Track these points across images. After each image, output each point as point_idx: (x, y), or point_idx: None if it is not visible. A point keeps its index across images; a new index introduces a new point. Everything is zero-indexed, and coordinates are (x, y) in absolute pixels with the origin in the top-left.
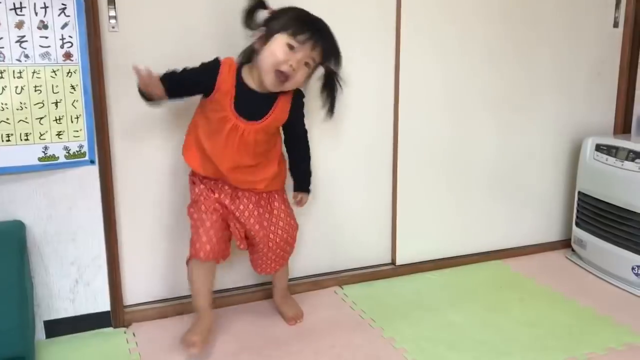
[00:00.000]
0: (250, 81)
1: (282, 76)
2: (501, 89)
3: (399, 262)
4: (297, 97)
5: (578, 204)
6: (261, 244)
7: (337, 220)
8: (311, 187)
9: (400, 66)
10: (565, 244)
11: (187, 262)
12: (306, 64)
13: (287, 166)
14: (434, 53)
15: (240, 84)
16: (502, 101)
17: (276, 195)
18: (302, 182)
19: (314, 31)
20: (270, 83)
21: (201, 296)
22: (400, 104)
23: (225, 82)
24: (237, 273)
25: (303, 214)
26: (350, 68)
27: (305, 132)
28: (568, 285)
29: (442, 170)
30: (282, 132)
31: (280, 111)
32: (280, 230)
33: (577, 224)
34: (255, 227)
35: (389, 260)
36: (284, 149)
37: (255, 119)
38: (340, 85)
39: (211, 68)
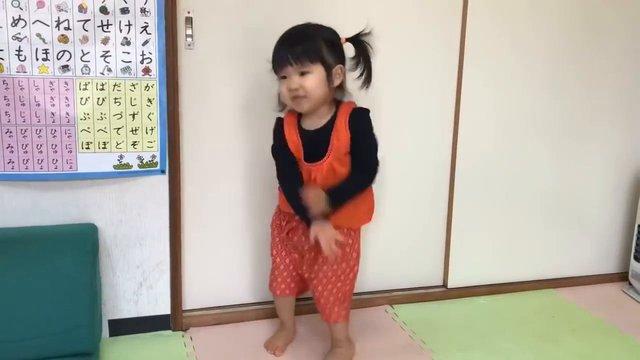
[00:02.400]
0: (307, 122)
1: (297, 99)
2: (563, 117)
3: (450, 285)
4: (354, 116)
5: (638, 237)
6: (306, 274)
7: (391, 239)
8: (330, 208)
9: (462, 90)
10: (621, 277)
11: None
12: (302, 73)
13: (369, 208)
14: (496, 79)
15: (302, 130)
16: (563, 130)
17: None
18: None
19: (285, 58)
20: (297, 109)
21: (283, 313)
22: (460, 128)
23: (290, 134)
24: None
25: None
26: (412, 91)
27: (367, 148)
28: (624, 320)
29: (499, 196)
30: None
31: (338, 140)
32: (322, 280)
33: (635, 258)
34: (309, 270)
35: (440, 283)
36: None
37: (321, 158)
38: (370, 48)
39: (278, 129)
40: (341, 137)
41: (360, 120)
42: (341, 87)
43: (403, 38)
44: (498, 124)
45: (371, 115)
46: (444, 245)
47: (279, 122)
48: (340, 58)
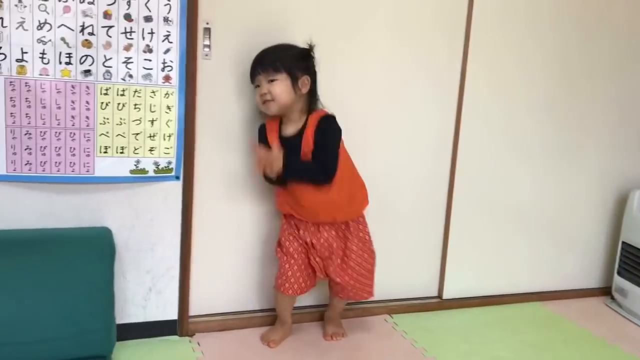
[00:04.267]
0: (284, 129)
1: (266, 103)
2: (555, 138)
3: (445, 296)
4: (321, 121)
5: (622, 254)
6: (338, 278)
7: (390, 251)
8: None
9: (463, 109)
10: (603, 291)
11: (274, 287)
12: (271, 81)
13: (363, 193)
14: (495, 100)
15: (281, 137)
16: (555, 150)
17: (351, 228)
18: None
19: (255, 68)
20: (267, 112)
21: (284, 311)
22: (459, 145)
23: (272, 139)
24: None
25: None
26: (413, 105)
27: (325, 158)
28: (609, 331)
29: (493, 213)
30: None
31: (307, 146)
32: (355, 268)
33: (619, 273)
34: (331, 266)
35: (435, 294)
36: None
37: None
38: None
39: (261, 133)
40: (309, 144)
41: (325, 123)
42: (313, 96)
43: (408, 45)
44: (496, 142)
45: (342, 126)
46: (440, 258)
47: (262, 127)
48: (307, 70)
